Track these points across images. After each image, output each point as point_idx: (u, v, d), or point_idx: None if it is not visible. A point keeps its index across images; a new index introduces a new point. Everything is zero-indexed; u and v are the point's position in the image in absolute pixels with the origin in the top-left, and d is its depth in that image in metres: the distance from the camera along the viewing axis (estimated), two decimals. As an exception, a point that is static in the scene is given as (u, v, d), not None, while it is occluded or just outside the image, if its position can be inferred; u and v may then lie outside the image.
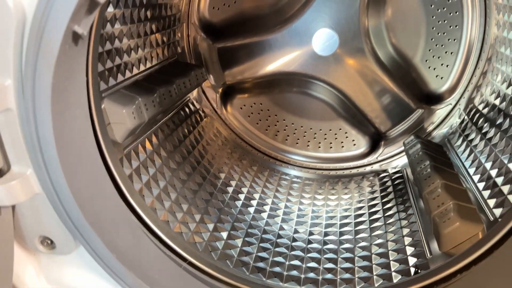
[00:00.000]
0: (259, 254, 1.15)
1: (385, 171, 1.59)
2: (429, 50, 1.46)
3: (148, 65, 1.32)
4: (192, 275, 0.84)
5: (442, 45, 1.45)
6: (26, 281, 0.78)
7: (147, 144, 1.19)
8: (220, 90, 1.66)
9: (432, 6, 1.41)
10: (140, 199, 0.89)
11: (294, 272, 1.12)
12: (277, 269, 1.12)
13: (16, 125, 0.63)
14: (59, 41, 0.56)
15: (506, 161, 1.02)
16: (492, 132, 1.16)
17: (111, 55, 1.09)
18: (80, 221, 0.68)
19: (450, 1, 1.39)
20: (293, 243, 1.23)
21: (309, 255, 1.19)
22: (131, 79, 1.21)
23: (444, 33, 1.43)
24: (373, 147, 1.63)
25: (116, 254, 0.70)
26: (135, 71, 1.23)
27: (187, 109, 1.53)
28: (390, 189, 1.44)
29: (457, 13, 1.40)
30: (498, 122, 1.15)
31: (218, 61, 1.62)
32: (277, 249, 1.19)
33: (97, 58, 0.77)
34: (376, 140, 1.63)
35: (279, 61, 1.58)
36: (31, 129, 0.61)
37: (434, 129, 1.53)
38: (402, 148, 1.57)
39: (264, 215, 1.35)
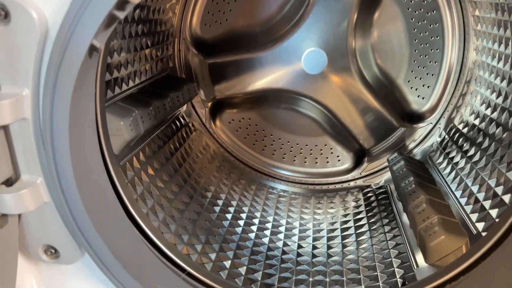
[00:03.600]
0: (251, 266, 1.17)
1: (368, 186, 1.64)
2: (412, 71, 1.54)
3: (142, 78, 1.34)
4: (190, 285, 0.86)
5: (424, 67, 1.52)
6: (26, 291, 0.77)
7: (141, 157, 1.20)
8: (209, 104, 1.68)
9: (415, 30, 1.48)
10: (139, 208, 0.90)
11: (285, 284, 1.14)
12: (269, 281, 1.14)
13: (30, 134, 0.64)
14: (82, 54, 0.58)
15: (487, 178, 1.08)
16: (472, 150, 1.23)
17: (109, 68, 1.11)
18: (88, 230, 0.69)
19: (431, 26, 1.47)
20: (283, 256, 1.26)
21: (298, 267, 1.22)
22: (126, 92, 1.23)
23: (426, 56, 1.51)
24: (357, 163, 1.69)
25: (122, 263, 0.72)
26: (131, 84, 1.25)
27: (177, 123, 1.55)
28: (374, 204, 1.49)
29: (438, 37, 1.48)
30: (478, 141, 1.22)
31: (209, 76, 1.65)
32: (268, 261, 1.22)
33: (105, 70, 0.79)
34: (360, 156, 1.68)
35: (268, 77, 1.62)
36: (46, 138, 0.62)
37: (415, 146, 1.60)
38: (385, 164, 1.63)
39: (254, 228, 1.37)
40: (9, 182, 0.67)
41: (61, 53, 0.58)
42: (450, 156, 1.35)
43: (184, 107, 1.64)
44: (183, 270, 0.89)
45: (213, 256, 1.13)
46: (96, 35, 0.59)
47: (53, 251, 0.74)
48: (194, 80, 1.63)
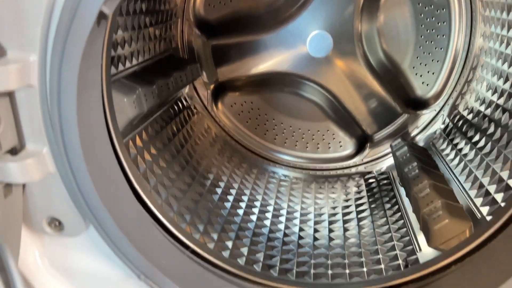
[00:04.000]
0: (253, 247, 1.17)
1: (370, 172, 1.64)
2: (417, 57, 1.53)
3: (145, 57, 1.32)
4: (195, 262, 0.85)
5: (429, 53, 1.51)
6: (29, 263, 0.77)
7: (144, 136, 1.19)
8: (211, 87, 1.67)
9: (422, 15, 1.47)
10: (145, 183, 0.89)
11: (287, 265, 1.14)
12: (271, 262, 1.14)
13: (36, 102, 0.63)
14: (92, 21, 0.56)
15: (492, 164, 1.08)
16: (477, 136, 1.22)
17: (113, 45, 1.09)
18: (94, 202, 0.68)
19: (438, 11, 1.46)
20: (285, 238, 1.26)
21: (300, 250, 1.22)
22: (129, 70, 1.21)
23: (431, 42, 1.50)
24: (359, 149, 1.68)
25: (127, 236, 0.71)
26: (134, 61, 1.23)
27: (179, 105, 1.54)
28: (376, 189, 1.49)
29: (445, 23, 1.46)
30: (483, 127, 1.21)
31: (212, 58, 1.64)
32: (269, 243, 1.21)
33: (112, 41, 0.78)
34: (362, 142, 1.67)
35: (272, 60, 1.61)
36: (53, 106, 0.61)
37: (419, 133, 1.59)
38: (387, 150, 1.63)
39: (255, 211, 1.37)
40: (14, 151, 0.66)
41: (70, 19, 0.56)
42: (454, 142, 1.35)
43: (186, 89, 1.62)
44: (186, 247, 0.88)
45: (215, 236, 1.13)
46: (105, 1, 0.58)
47: (57, 223, 0.73)
48: (197, 62, 1.61)
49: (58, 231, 0.74)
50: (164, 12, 1.44)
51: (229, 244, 1.13)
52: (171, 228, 0.87)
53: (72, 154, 0.64)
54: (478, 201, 1.06)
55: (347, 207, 1.43)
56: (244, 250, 1.13)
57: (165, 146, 1.28)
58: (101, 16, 0.62)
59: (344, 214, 1.38)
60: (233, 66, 1.65)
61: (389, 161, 1.61)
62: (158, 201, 1.03)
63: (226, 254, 1.07)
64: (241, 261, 1.09)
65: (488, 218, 0.98)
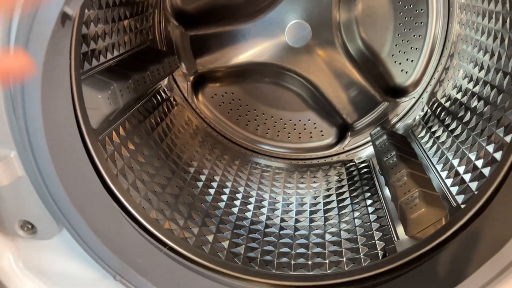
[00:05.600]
0: (234, 240, 1.17)
1: (351, 161, 1.65)
2: (396, 45, 1.53)
3: (121, 51, 1.30)
4: (172, 259, 0.85)
5: (408, 41, 1.51)
6: (4, 267, 0.76)
7: (121, 131, 1.17)
8: (191, 78, 1.65)
9: (400, 2, 1.47)
10: (120, 183, 0.88)
11: (268, 257, 1.15)
12: (251, 254, 1.14)
13: (0, 105, 0.61)
14: (53, 22, 0.55)
15: (467, 152, 1.09)
16: (454, 124, 1.24)
17: (86, 40, 1.07)
18: (66, 205, 0.67)
19: (416, -2, 1.45)
20: (266, 230, 1.26)
21: (281, 241, 1.23)
22: (104, 64, 1.19)
23: (410, 29, 1.50)
24: (340, 138, 1.69)
25: (101, 238, 0.70)
26: (109, 56, 1.21)
27: (158, 97, 1.52)
28: (357, 178, 1.50)
29: (423, 10, 1.47)
30: (460, 115, 1.22)
31: (190, 49, 1.62)
32: (251, 235, 1.22)
33: (81, 40, 0.76)
34: (343, 131, 1.68)
35: (252, 51, 1.59)
36: (18, 110, 0.60)
37: (398, 121, 1.60)
38: (368, 139, 1.63)
39: (237, 202, 1.37)
40: (-20, 156, 0.65)
41: (29, 20, 0.55)
42: (432, 130, 1.36)
43: (165, 81, 1.60)
44: (164, 244, 0.88)
45: (195, 230, 1.13)
46: (68, 1, 0.56)
47: (29, 226, 0.72)
48: (175, 53, 1.59)
49: (31, 234, 0.73)
50: (140, 4, 1.42)
51: (210, 238, 1.13)
52: (148, 226, 0.87)
53: (40, 157, 0.63)
54: (454, 189, 1.07)
55: (328, 196, 1.44)
56: (225, 244, 1.14)
57: (144, 141, 1.27)
58: (65, 17, 0.61)
59: (325, 204, 1.39)
60: (212, 57, 1.63)
61: (370, 149, 1.62)
62: (136, 199, 1.03)
63: (206, 248, 1.07)
64: (222, 255, 1.09)
65: (463, 206, 1.00)
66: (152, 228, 0.88)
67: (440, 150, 1.24)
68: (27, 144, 0.62)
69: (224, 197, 1.37)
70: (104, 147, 1.06)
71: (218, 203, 1.32)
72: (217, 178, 1.45)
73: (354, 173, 1.55)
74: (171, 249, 0.89)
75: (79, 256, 0.75)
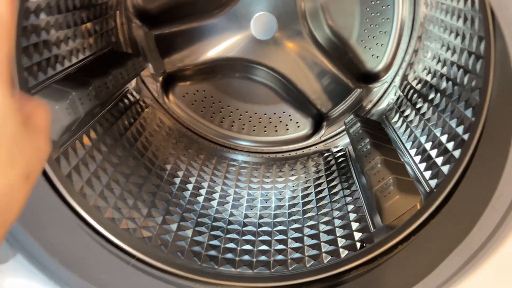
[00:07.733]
0: (210, 242, 1.15)
1: (328, 150, 1.63)
2: (364, 30, 1.50)
3: (81, 56, 1.26)
4: (142, 271, 0.83)
5: (376, 25, 1.49)
6: (-40, 296, 0.73)
7: (86, 140, 1.14)
8: (160, 78, 1.61)
9: (365, -14, 1.44)
10: (81, 198, 0.85)
11: (246, 257, 1.13)
12: (229, 255, 1.12)
13: None
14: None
15: (438, 134, 1.08)
16: (425, 107, 1.22)
17: (38, 48, 1.02)
18: (16, 227, 0.64)
19: (381, -19, 1.43)
20: (244, 228, 1.24)
21: (259, 238, 1.21)
22: (63, 72, 1.15)
23: (377, 13, 1.48)
24: (316, 128, 1.67)
25: (57, 258, 0.68)
26: (67, 63, 1.17)
27: (126, 101, 1.48)
28: (334, 168, 1.48)
29: (388, -7, 1.44)
30: (430, 97, 1.21)
31: (156, 49, 1.58)
32: (228, 235, 1.20)
33: (21, 52, 0.72)
34: (319, 121, 1.66)
35: (219, 46, 1.56)
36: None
37: (373, 107, 1.59)
38: (344, 127, 1.62)
39: (214, 203, 1.35)
40: None
41: None
42: (405, 114, 1.34)
43: (133, 83, 1.56)
44: (132, 256, 0.85)
45: (169, 237, 1.10)
46: None
47: (-18, 252, 0.69)
48: (140, 54, 1.55)
49: (-15, 260, 0.70)
50: (100, 6, 1.37)
51: (185, 243, 1.10)
52: (113, 239, 0.84)
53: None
54: (427, 174, 1.06)
55: (306, 188, 1.43)
56: (201, 248, 1.12)
57: (112, 148, 1.23)
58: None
59: (303, 197, 1.38)
60: (180, 55, 1.60)
61: (346, 137, 1.60)
62: (104, 210, 1.00)
63: (181, 256, 1.05)
64: (198, 259, 1.07)
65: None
66: (119, 241, 0.85)
67: (413, 134, 1.23)
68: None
69: (201, 198, 1.34)
70: (68, 159, 1.02)
71: (194, 205, 1.29)
72: (192, 179, 1.42)
73: (332, 162, 1.54)
74: (140, 260, 0.86)
75: (38, 278, 0.72)
